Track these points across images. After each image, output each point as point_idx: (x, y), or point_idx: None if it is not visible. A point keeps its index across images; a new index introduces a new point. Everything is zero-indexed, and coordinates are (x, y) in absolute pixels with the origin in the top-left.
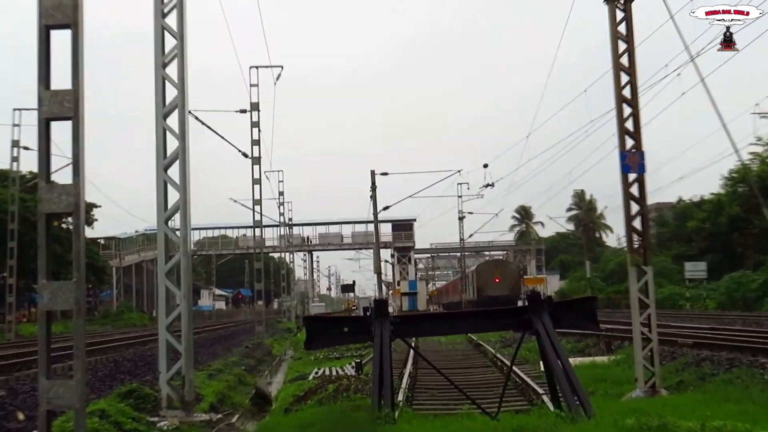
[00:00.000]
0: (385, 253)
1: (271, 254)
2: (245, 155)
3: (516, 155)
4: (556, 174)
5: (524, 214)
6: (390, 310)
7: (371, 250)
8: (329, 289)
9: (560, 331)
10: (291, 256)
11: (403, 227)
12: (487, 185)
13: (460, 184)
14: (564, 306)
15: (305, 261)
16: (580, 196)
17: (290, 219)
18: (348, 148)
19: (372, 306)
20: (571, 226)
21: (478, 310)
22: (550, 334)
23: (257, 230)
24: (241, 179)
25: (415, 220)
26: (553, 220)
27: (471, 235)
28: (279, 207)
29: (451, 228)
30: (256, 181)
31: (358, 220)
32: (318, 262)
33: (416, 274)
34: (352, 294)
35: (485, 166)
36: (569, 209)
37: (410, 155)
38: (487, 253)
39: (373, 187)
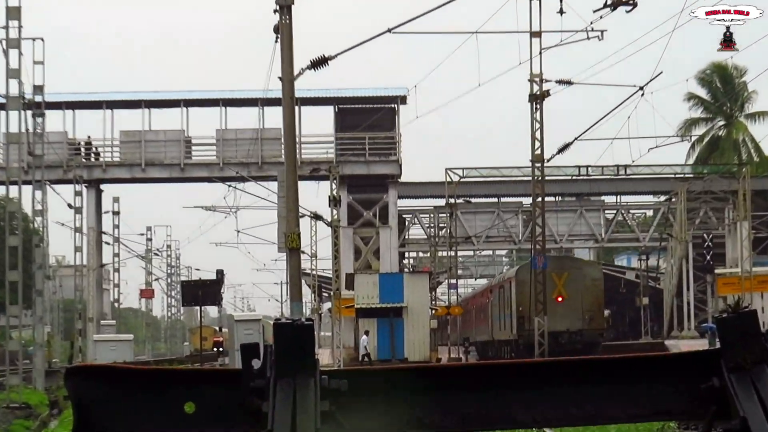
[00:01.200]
0: (312, 193)
1: None
2: None
3: None
4: None
5: (722, 91)
6: (323, 356)
7: (273, 185)
8: (146, 295)
9: None
10: (39, 195)
11: (371, 117)
12: (616, 3)
13: None
14: None
15: (80, 212)
16: None
17: (38, 89)
18: None
19: (269, 343)
20: None
21: (567, 361)
22: None
23: None
24: None
25: (404, 97)
26: None
27: (565, 148)
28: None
29: (507, 131)
30: None
31: (234, 96)
32: (118, 214)
33: (403, 259)
34: (216, 310)
35: None
36: None
37: None
38: (609, 199)
39: None
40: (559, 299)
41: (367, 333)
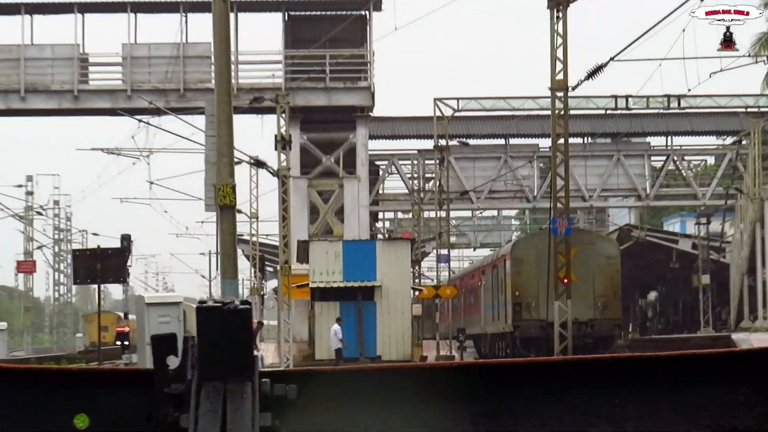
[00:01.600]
0: (254, 131)
1: None
2: None
3: None
4: None
5: None
6: (266, 353)
7: (200, 119)
8: (25, 269)
9: None
10: None
11: (333, 28)
12: None
13: None
14: None
15: None
16: None
17: None
18: None
19: (192, 335)
20: None
21: (597, 360)
22: None
23: None
24: None
25: (379, 1)
26: None
27: (597, 71)
28: None
29: (519, 50)
30: None
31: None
32: None
33: (376, 221)
34: (120, 290)
35: None
36: None
37: None
38: (657, 141)
39: None
40: (566, 281)
41: (339, 321)
